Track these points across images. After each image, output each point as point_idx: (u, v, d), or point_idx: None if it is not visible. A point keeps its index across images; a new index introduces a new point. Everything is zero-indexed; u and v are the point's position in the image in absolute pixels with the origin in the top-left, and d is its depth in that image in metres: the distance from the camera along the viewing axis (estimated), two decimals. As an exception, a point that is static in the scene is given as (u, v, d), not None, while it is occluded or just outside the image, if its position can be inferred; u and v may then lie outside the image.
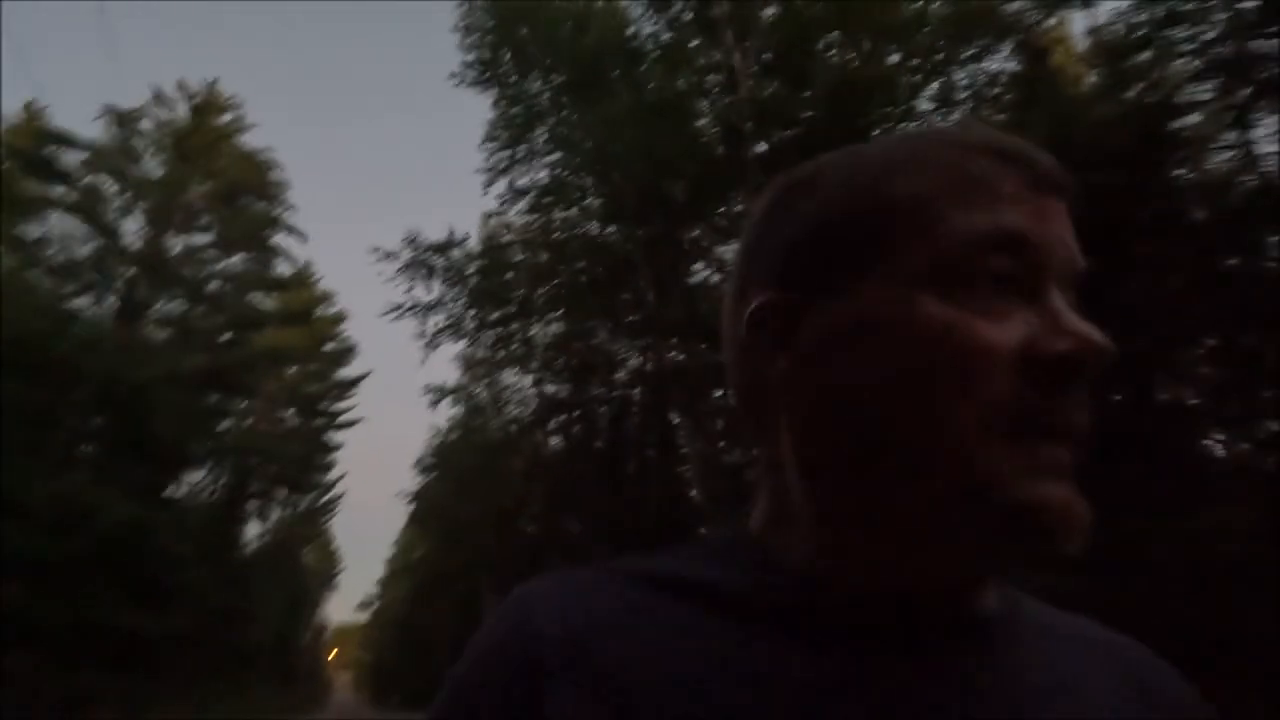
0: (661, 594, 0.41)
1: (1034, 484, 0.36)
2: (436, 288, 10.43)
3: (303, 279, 23.58)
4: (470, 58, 10.77)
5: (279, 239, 19.79)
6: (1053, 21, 8.37)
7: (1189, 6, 6.28)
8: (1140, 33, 6.91)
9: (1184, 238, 6.94)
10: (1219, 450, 6.89)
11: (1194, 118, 6.73)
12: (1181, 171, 6.86)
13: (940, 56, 9.97)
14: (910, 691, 0.37)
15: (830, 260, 0.42)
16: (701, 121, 10.97)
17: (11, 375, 12.15)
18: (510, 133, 10.78)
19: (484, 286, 10.58)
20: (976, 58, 9.38)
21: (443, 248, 10.29)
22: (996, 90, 8.87)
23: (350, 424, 27.48)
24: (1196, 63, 6.42)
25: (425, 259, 10.20)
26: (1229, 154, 6.57)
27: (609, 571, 0.44)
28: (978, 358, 0.36)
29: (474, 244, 11.46)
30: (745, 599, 0.41)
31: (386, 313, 10.16)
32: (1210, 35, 6.31)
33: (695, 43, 10.71)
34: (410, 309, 10.39)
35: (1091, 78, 7.76)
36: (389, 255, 10.08)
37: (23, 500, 11.86)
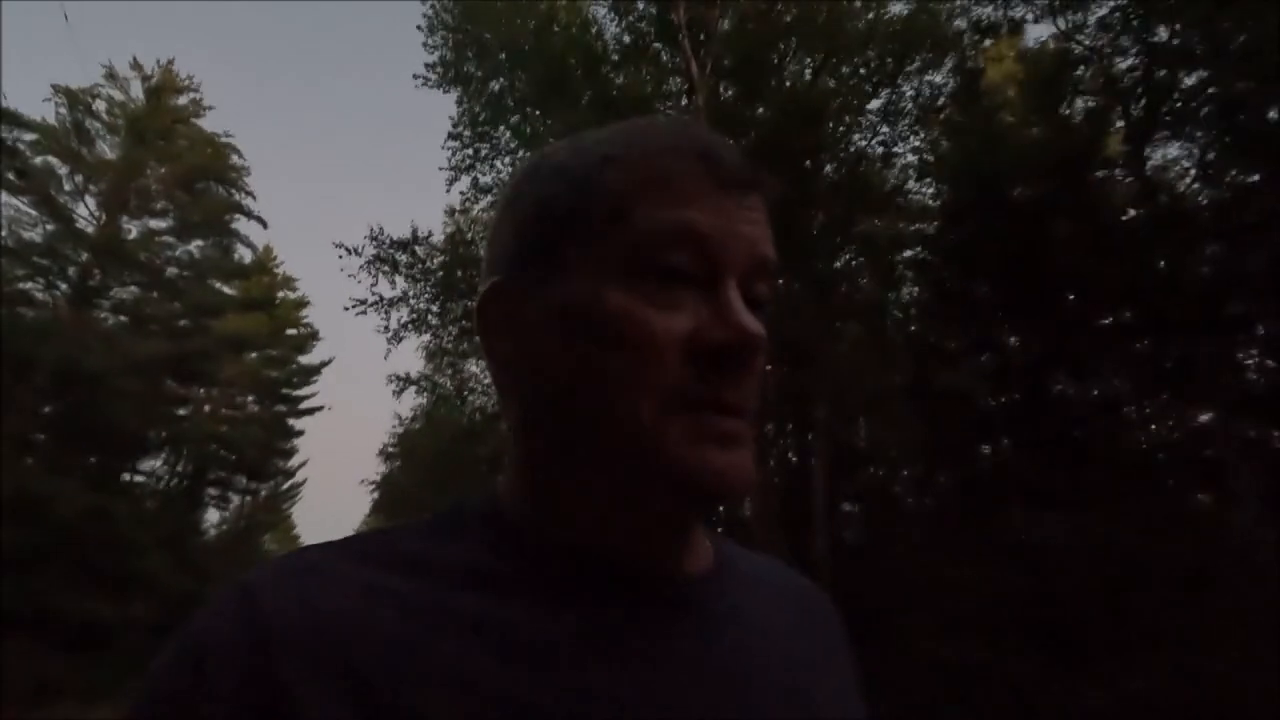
0: (395, 572, 0.41)
1: (697, 450, 0.41)
2: (400, 283, 10.60)
3: (264, 265, 23.27)
4: (433, 58, 10.86)
5: (239, 225, 19.52)
6: (989, 43, 8.88)
7: (1101, 42, 6.85)
8: (1069, 56, 7.47)
9: (1102, 248, 7.56)
10: (1127, 445, 7.58)
11: (1111, 140, 7.33)
12: (1099, 187, 7.47)
13: (889, 68, 10.45)
14: (621, 649, 0.40)
15: (541, 248, 0.46)
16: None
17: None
18: (473, 131, 10.93)
19: (448, 281, 10.78)
20: (921, 71, 9.89)
21: (406, 244, 10.46)
22: (939, 104, 9.40)
23: (312, 411, 27.27)
24: (1112, 89, 7.00)
25: (389, 255, 10.37)
26: (1140, 173, 7.20)
27: (337, 552, 0.42)
28: (649, 345, 0.41)
29: (439, 237, 11.64)
30: (482, 568, 0.42)
31: (350, 307, 10.30)
32: (1124, 65, 6.89)
33: (655, 46, 10.99)
34: (374, 304, 10.55)
35: (1021, 98, 8.30)
36: (352, 251, 10.21)
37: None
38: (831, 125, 10.63)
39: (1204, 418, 6.01)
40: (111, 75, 18.01)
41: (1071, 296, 6.66)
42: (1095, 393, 6.82)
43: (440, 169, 10.84)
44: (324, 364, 27.50)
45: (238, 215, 19.45)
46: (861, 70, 10.78)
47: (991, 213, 6.72)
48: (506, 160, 11.14)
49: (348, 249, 10.25)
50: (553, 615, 0.40)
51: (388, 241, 10.39)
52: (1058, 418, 6.01)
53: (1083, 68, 7.09)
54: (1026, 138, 7.57)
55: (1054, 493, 5.32)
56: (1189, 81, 6.78)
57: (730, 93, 11.12)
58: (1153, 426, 6.83)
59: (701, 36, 10.33)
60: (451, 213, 12.37)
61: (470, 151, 10.94)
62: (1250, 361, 6.68)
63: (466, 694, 0.36)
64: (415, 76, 10.59)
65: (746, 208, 0.45)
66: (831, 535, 8.47)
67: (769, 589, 0.52)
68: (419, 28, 10.64)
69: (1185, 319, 6.54)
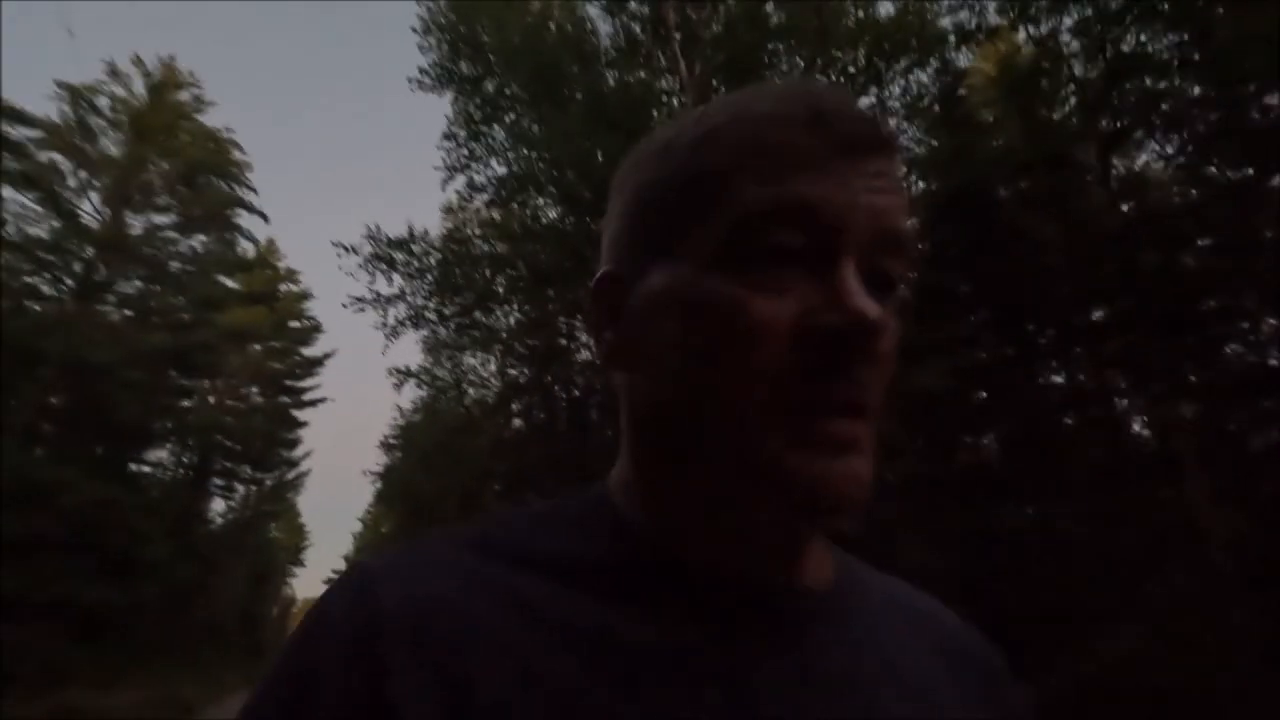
0: (507, 565, 0.40)
1: (806, 456, 0.36)
2: (397, 280, 10.85)
3: (266, 259, 23.54)
4: (429, 60, 11.04)
5: (241, 219, 19.79)
6: (968, 48, 9.04)
7: (1073, 48, 7.03)
8: (1043, 61, 7.65)
9: (1073, 247, 7.76)
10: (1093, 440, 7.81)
11: (1083, 142, 7.51)
12: (1069, 188, 7.67)
13: (877, 67, 10.60)
14: (731, 666, 0.38)
15: (648, 233, 0.43)
16: (655, 122, 11.46)
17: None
18: (468, 130, 11.12)
19: (445, 278, 11.01)
20: (907, 70, 10.04)
21: (403, 243, 10.70)
22: (924, 104, 9.57)
23: (315, 402, 27.60)
24: (1083, 93, 7.19)
25: (386, 253, 10.61)
26: (1107, 176, 7.39)
27: (454, 541, 0.42)
28: (750, 332, 0.37)
29: (436, 229, 11.85)
30: (587, 567, 0.41)
31: (348, 305, 10.56)
32: (1093, 71, 7.07)
33: (647, 46, 11.15)
34: (372, 301, 10.80)
35: (999, 100, 8.48)
36: (350, 250, 10.46)
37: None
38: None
39: (1168, 411, 6.23)
40: (114, 71, 18.24)
41: (1042, 294, 6.87)
42: (1064, 389, 7.06)
43: (435, 168, 11.05)
44: (327, 356, 27.84)
45: (240, 210, 19.75)
46: (850, 69, 10.93)
47: (965, 211, 6.93)
48: (501, 160, 11.35)
49: (346, 247, 10.50)
50: (653, 626, 0.38)
51: (385, 240, 10.64)
52: (1028, 413, 6.25)
53: (1053, 72, 7.27)
54: (1002, 139, 7.76)
55: (1022, 485, 5.55)
56: (1160, 85, 6.98)
57: (722, 90, 11.29)
58: (1118, 421, 7.06)
59: (690, 37, 10.48)
60: (448, 211, 12.61)
61: (465, 151, 11.16)
62: (1222, 354, 6.89)
63: (558, 699, 0.35)
64: (410, 80, 10.80)
65: (869, 174, 0.40)
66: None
67: (899, 615, 0.48)
68: (414, 29, 10.83)
69: (1153, 317, 6.75)
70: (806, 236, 0.38)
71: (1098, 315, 6.96)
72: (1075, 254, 7.43)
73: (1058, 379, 7.36)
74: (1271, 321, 6.99)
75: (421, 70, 10.85)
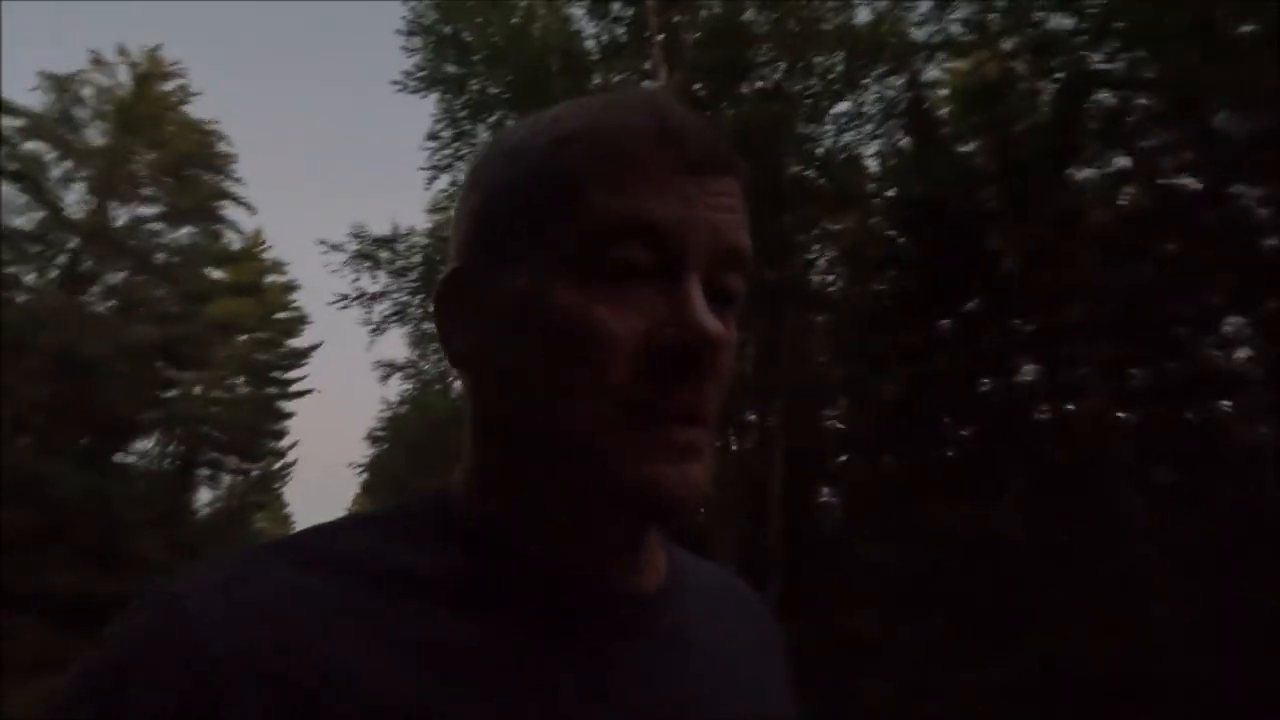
0: (326, 573, 0.38)
1: (649, 465, 0.38)
2: (382, 277, 11.04)
3: (252, 252, 23.54)
4: (412, 63, 11.18)
5: (228, 211, 19.81)
6: (936, 61, 9.31)
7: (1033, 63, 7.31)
8: (1006, 75, 7.93)
9: (1034, 256, 8.09)
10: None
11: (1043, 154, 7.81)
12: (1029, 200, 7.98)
13: (854, 73, 10.86)
14: (564, 671, 0.39)
15: (497, 236, 0.43)
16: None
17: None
18: (454, 130, 11.29)
19: (429, 276, 11.20)
20: (883, 78, 10.30)
21: (387, 240, 10.88)
22: (896, 112, 9.85)
23: (302, 393, 27.67)
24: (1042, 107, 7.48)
25: (371, 251, 10.79)
26: (1062, 186, 7.70)
27: (271, 556, 0.39)
28: (596, 347, 0.38)
29: (422, 224, 12.02)
30: (419, 572, 0.40)
31: (334, 302, 10.74)
32: (1054, 85, 7.36)
33: (629, 48, 11.33)
34: (357, 298, 10.99)
35: (963, 112, 8.77)
36: (335, 247, 10.62)
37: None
38: (797, 126, 11.04)
39: (1108, 414, 6.58)
40: (98, 61, 18.17)
41: (997, 302, 7.19)
42: (1014, 393, 7.40)
43: (420, 169, 11.24)
44: (313, 348, 27.86)
45: (226, 201, 19.77)
46: (829, 75, 11.18)
47: (926, 219, 7.21)
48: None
49: (331, 245, 10.67)
50: (496, 631, 0.39)
51: (369, 238, 10.81)
52: (979, 417, 6.58)
53: (1013, 86, 7.55)
54: (967, 149, 8.05)
55: (971, 486, 5.88)
56: (1115, 100, 7.29)
57: (702, 90, 11.48)
58: (1063, 424, 7.41)
59: (665, 39, 10.68)
60: (432, 210, 12.78)
61: (450, 151, 11.33)
62: (1168, 358, 7.24)
63: (382, 704, 0.34)
64: (394, 82, 10.95)
65: (715, 192, 0.41)
66: (785, 523, 9.03)
67: (717, 602, 0.51)
68: (399, 31, 10.97)
69: (1103, 324, 7.09)
70: (652, 251, 0.39)
71: (1051, 321, 7.29)
72: (1031, 262, 7.75)
73: (1009, 381, 7.70)
74: (1233, 323, 7.34)
75: (406, 73, 11.00)
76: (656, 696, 0.41)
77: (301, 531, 0.43)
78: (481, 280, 0.43)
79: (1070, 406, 7.14)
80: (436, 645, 0.37)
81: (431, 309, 0.46)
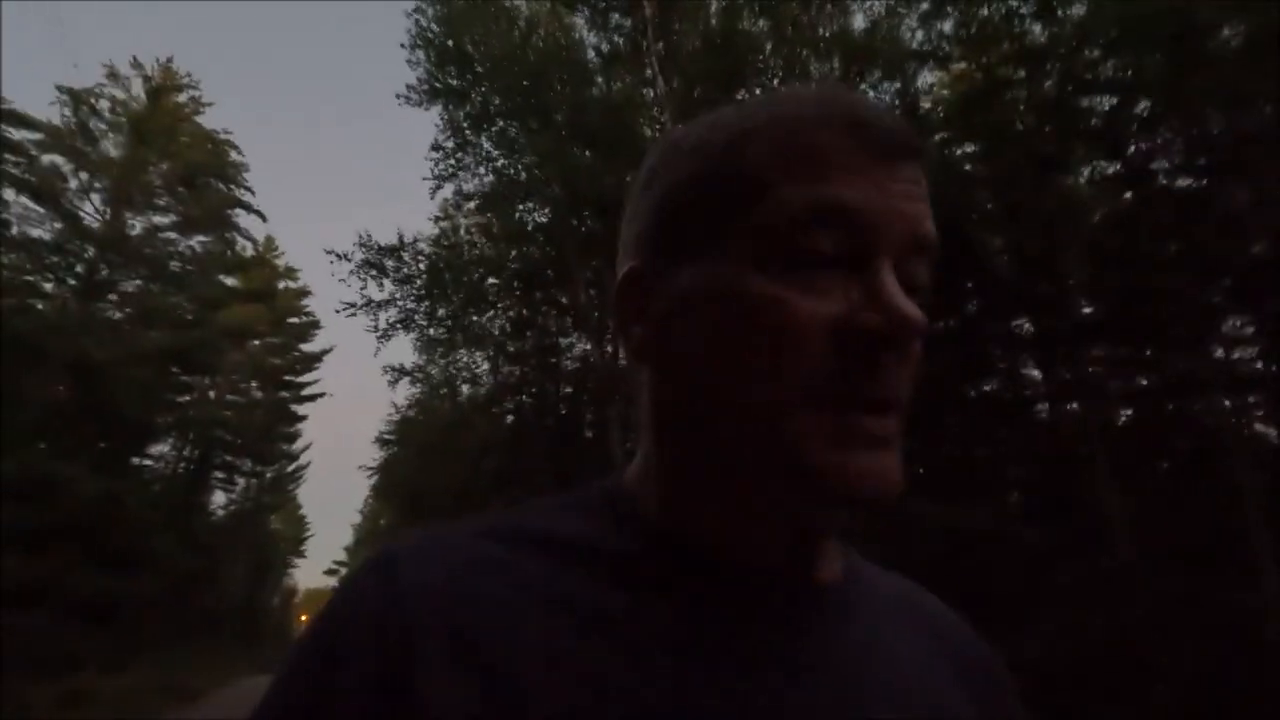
0: (527, 551, 0.41)
1: (842, 453, 0.37)
2: (388, 285, 11.31)
3: (264, 258, 23.97)
4: (415, 76, 11.42)
5: (240, 218, 20.22)
6: (932, 65, 9.46)
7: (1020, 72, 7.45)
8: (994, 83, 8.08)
9: (1022, 262, 8.23)
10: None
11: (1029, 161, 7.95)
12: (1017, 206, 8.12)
13: (851, 78, 11.02)
14: (746, 653, 0.39)
15: (680, 230, 0.43)
16: (637, 131, 11.85)
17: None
18: (456, 140, 11.54)
19: (434, 282, 11.46)
20: (877, 85, 10.46)
21: (393, 250, 11.14)
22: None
23: (314, 397, 28.11)
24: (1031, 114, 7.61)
25: (377, 260, 11.06)
26: (1050, 192, 7.84)
27: (476, 529, 0.43)
28: (792, 332, 0.38)
29: (428, 229, 12.25)
30: (608, 553, 0.41)
31: (341, 310, 11.01)
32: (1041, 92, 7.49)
33: (627, 56, 11.54)
34: (364, 305, 11.26)
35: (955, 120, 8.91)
36: (342, 257, 10.90)
37: (-3, 474, 12.65)
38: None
39: (1089, 415, 6.72)
40: (113, 74, 18.62)
41: (990, 305, 7.34)
42: (1000, 395, 7.55)
43: (424, 179, 11.48)
44: (325, 352, 28.31)
45: (238, 210, 20.18)
46: (829, 79, 11.34)
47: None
48: (488, 168, 11.78)
49: (338, 255, 10.95)
50: (668, 610, 0.39)
51: (375, 247, 11.08)
52: (971, 419, 6.73)
53: (1005, 93, 7.68)
54: (961, 154, 8.20)
55: (953, 485, 6.04)
56: (1107, 106, 7.43)
57: (698, 94, 11.67)
58: (1047, 425, 7.56)
59: (664, 47, 10.88)
60: (436, 220, 13.06)
61: (453, 161, 11.57)
62: (1155, 360, 7.36)
63: (583, 680, 0.35)
64: (398, 96, 11.21)
65: (903, 180, 0.40)
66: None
67: (904, 612, 0.50)
68: (403, 45, 11.22)
69: (1095, 326, 7.23)
70: (844, 238, 0.39)
71: (1044, 323, 7.44)
72: (1025, 266, 7.89)
73: (998, 383, 7.85)
74: (1237, 324, 7.43)
75: (409, 86, 11.25)
76: (826, 688, 0.40)
77: (493, 513, 0.46)
78: (663, 274, 0.44)
79: (1059, 407, 7.28)
80: (623, 620, 0.39)
81: (614, 304, 0.47)
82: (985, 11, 7.49)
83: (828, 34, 11.35)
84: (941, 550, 5.91)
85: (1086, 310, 7.54)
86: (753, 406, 0.39)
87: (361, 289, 11.29)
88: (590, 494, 0.47)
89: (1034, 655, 5.42)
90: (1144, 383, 6.87)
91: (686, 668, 0.37)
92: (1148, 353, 7.20)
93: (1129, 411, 6.84)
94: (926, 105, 9.34)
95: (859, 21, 11.13)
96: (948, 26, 8.19)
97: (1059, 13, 6.97)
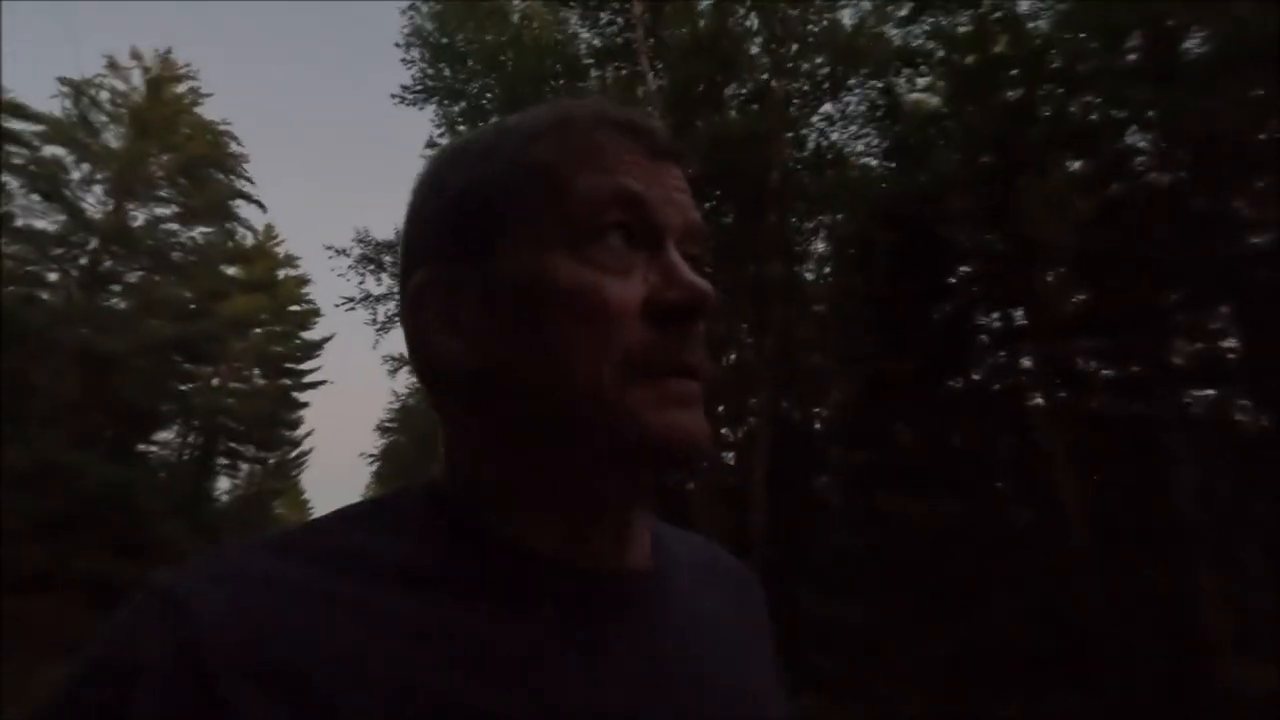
0: (323, 566, 0.39)
1: (663, 413, 0.41)
2: (386, 280, 11.58)
3: (264, 248, 24.18)
4: (410, 75, 11.60)
5: (240, 209, 20.42)
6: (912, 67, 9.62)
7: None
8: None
9: (995, 259, 8.46)
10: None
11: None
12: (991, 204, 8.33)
13: (839, 74, 11.19)
14: (563, 653, 0.40)
15: (474, 228, 0.45)
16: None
17: (-11, 346, 13.12)
18: (451, 136, 11.72)
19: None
20: (863, 84, 10.64)
21: (391, 245, 11.38)
22: (876, 116, 10.18)
23: (316, 384, 28.43)
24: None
25: (375, 255, 11.32)
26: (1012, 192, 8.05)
27: (266, 552, 0.40)
28: (607, 312, 0.41)
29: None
30: (415, 561, 0.41)
31: (340, 305, 11.30)
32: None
33: (620, 52, 11.70)
34: (362, 300, 11.55)
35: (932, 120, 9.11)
36: (341, 252, 11.16)
37: (5, 462, 13.01)
38: (785, 126, 11.39)
39: (1047, 411, 7.01)
40: (113, 65, 18.73)
41: (967, 301, 7.59)
42: (963, 392, 7.83)
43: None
44: (326, 339, 28.58)
45: (238, 200, 20.37)
46: (816, 77, 11.51)
47: (904, 221, 7.59)
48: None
49: (337, 250, 11.21)
50: (495, 618, 0.40)
51: (373, 243, 11.33)
52: (925, 415, 7.03)
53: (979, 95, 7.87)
54: (942, 152, 8.40)
55: (918, 477, 6.35)
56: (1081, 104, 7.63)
57: (691, 91, 11.82)
58: (1006, 421, 7.84)
59: (654, 43, 11.03)
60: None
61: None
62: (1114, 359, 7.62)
63: (409, 701, 0.35)
64: (393, 96, 11.40)
65: (673, 175, 0.46)
66: (767, 512, 9.50)
67: (704, 574, 0.53)
68: (397, 45, 11.39)
69: (1069, 322, 7.49)
70: (634, 221, 0.43)
71: (1014, 321, 7.70)
72: (1003, 263, 8.14)
73: (959, 382, 8.13)
74: (1190, 319, 7.70)
75: (404, 86, 11.44)
76: (648, 674, 0.42)
77: (293, 527, 0.44)
78: (463, 278, 0.44)
79: (1022, 398, 7.58)
80: (432, 628, 0.38)
81: (408, 316, 0.46)
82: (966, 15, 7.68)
83: (816, 30, 11.49)
84: (906, 538, 6.23)
85: (1060, 306, 7.80)
86: (580, 383, 0.41)
87: (360, 283, 11.56)
88: (401, 499, 0.46)
89: (988, 639, 5.76)
90: (1105, 374, 7.15)
91: (502, 672, 0.38)
92: (1109, 345, 7.47)
93: (1093, 403, 7.13)
94: (909, 104, 9.53)
95: (847, 19, 11.29)
96: (928, 27, 8.37)
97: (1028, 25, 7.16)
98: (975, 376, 7.86)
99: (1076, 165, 7.86)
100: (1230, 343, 7.37)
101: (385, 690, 0.35)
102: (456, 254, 0.45)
